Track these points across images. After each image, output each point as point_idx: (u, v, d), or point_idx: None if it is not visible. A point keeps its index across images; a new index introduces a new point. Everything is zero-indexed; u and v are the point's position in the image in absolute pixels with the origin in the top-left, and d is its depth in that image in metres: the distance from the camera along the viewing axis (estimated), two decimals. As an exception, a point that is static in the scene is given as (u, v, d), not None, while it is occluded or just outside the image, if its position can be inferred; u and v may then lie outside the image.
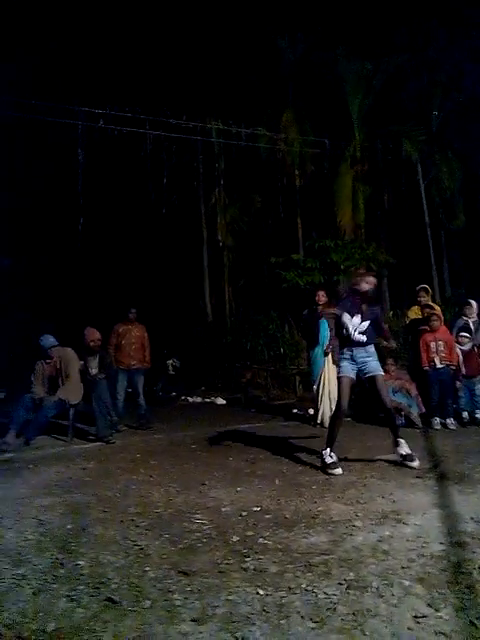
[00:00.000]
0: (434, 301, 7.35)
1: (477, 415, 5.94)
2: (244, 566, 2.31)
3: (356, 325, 4.07)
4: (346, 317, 4.09)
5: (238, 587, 2.12)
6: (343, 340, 4.18)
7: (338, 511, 3.00)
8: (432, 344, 6.08)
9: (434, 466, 4.00)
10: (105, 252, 13.92)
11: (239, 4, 12.77)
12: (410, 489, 3.39)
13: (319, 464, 4.09)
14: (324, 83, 12.78)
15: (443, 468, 3.91)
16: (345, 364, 4.13)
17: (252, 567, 2.30)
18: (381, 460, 4.25)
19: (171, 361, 10.54)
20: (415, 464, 3.96)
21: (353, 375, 4.11)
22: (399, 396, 6.04)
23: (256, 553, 2.45)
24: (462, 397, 6.02)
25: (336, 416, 4.24)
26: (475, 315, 6.77)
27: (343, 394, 4.09)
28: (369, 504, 3.11)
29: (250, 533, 2.71)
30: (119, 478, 4.02)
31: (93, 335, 6.13)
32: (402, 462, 4.02)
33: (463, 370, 6.12)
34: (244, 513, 3.03)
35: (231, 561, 2.37)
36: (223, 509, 3.14)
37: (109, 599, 2.04)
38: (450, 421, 5.85)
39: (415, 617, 1.83)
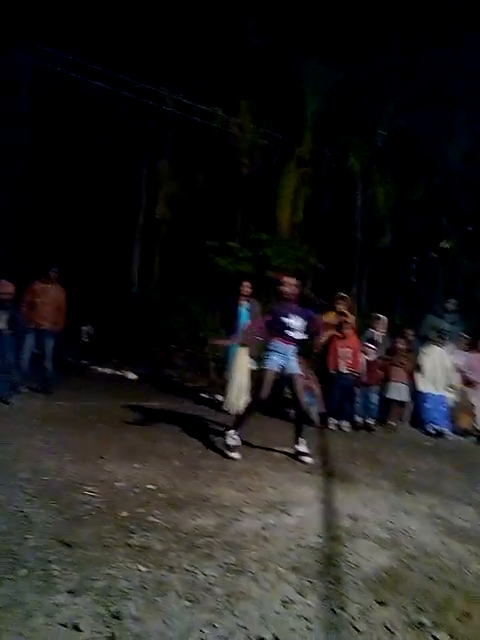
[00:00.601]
0: (351, 311, 7.77)
1: (369, 421, 6.41)
2: (129, 542, 2.33)
3: (295, 326, 4.35)
4: (284, 319, 4.34)
5: (120, 562, 2.13)
6: (278, 337, 4.36)
7: (229, 496, 3.12)
8: (340, 350, 6.44)
9: (323, 463, 4.27)
10: (31, 202, 12.98)
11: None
12: (299, 482, 3.60)
13: (221, 445, 4.23)
14: (286, 79, 12.84)
15: (331, 466, 4.19)
16: (274, 358, 4.32)
17: (137, 544, 2.33)
18: (278, 452, 4.46)
19: (86, 328, 10.13)
20: (308, 460, 4.22)
21: (278, 369, 4.31)
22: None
23: (143, 530, 2.48)
24: (358, 403, 6.45)
25: (253, 404, 4.40)
26: (383, 330, 7.28)
27: (265, 385, 4.27)
28: (259, 493, 3.26)
29: (140, 510, 2.73)
30: (12, 440, 3.85)
31: (5, 288, 5.76)
32: (296, 457, 4.26)
33: (364, 378, 6.55)
34: (137, 490, 3.04)
35: (117, 536, 2.38)
36: (117, 484, 3.12)
37: (-18, 565, 1.97)
38: (345, 423, 6.25)
39: (284, 602, 1.97)
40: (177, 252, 14.33)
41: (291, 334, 4.34)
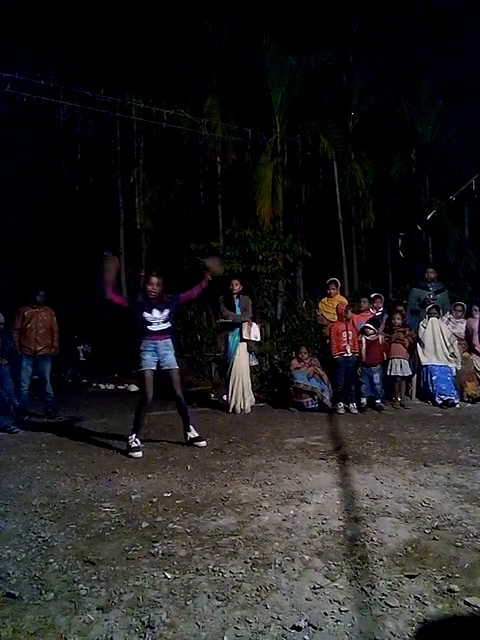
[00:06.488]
0: (343, 294, 7.76)
1: (377, 400, 6.41)
2: (153, 551, 2.33)
3: (157, 318, 4.35)
4: (145, 314, 4.34)
5: (146, 572, 2.13)
6: (145, 334, 4.35)
7: (247, 493, 3.11)
8: (343, 334, 6.43)
9: (337, 448, 4.28)
10: (11, 229, 12.92)
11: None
12: (314, 470, 3.60)
13: (124, 448, 4.27)
14: (248, 72, 12.82)
15: (344, 450, 4.19)
16: (148, 357, 4.31)
17: (160, 552, 2.32)
18: (289, 443, 4.46)
19: (82, 347, 10.08)
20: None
21: (154, 367, 4.33)
22: (313, 381, 6.34)
23: (165, 538, 2.47)
24: (363, 384, 6.45)
25: (141, 406, 4.40)
26: (381, 308, 7.31)
27: (147, 386, 4.29)
28: (276, 485, 3.25)
29: (160, 519, 2.73)
30: (22, 469, 3.83)
31: (-5, 317, 5.72)
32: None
33: (364, 358, 6.54)
34: (154, 499, 3.03)
35: (139, 547, 2.37)
36: (133, 496, 3.11)
37: (9, 594, 1.96)
38: (352, 406, 6.26)
39: (313, 589, 1.97)
40: (164, 259, 14.30)
41: (152, 328, 4.33)
